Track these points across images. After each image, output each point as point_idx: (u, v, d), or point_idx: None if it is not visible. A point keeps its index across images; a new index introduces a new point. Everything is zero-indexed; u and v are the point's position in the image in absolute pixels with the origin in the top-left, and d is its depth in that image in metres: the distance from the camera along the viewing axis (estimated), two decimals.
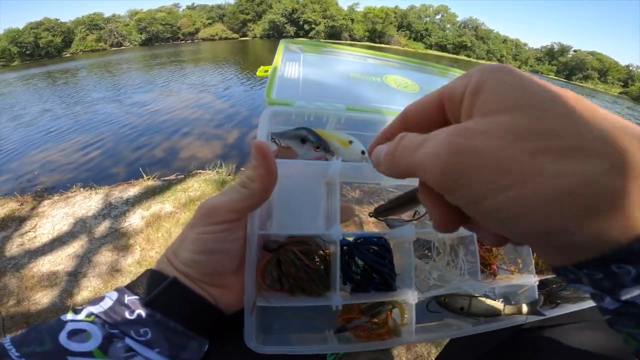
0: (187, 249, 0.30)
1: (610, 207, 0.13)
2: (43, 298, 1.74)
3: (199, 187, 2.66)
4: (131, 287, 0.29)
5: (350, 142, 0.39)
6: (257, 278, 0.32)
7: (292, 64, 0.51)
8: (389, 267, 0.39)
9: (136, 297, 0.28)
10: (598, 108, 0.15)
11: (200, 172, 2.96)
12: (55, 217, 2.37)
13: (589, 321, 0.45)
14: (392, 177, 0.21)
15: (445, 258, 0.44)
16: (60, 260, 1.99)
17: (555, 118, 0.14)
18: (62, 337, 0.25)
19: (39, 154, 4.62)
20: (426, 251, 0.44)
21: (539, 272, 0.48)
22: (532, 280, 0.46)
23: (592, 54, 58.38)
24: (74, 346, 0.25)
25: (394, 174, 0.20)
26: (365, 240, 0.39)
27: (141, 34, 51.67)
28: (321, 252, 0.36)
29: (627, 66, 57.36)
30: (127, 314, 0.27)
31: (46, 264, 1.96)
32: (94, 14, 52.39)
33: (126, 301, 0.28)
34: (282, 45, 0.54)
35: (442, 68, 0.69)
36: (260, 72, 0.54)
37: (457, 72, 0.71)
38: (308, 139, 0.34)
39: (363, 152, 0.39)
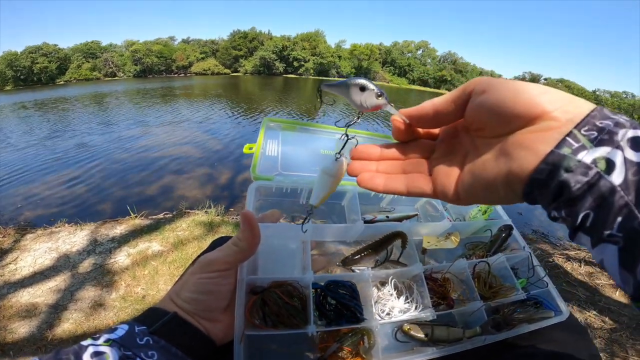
0: (189, 289, 0.38)
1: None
2: (20, 328, 1.67)
3: (187, 227, 2.60)
4: (139, 320, 0.37)
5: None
6: (245, 314, 0.40)
7: (272, 142, 0.63)
8: (355, 302, 0.48)
9: (144, 327, 0.35)
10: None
11: (189, 212, 2.89)
12: (37, 251, 2.30)
13: (554, 342, 0.51)
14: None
15: (403, 294, 0.54)
16: (40, 293, 1.92)
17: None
18: (86, 358, 0.30)
19: (23, 186, 4.48)
20: (387, 290, 0.54)
21: (484, 299, 0.57)
22: (478, 304, 0.55)
23: (561, 81, 62.34)
24: None
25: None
26: (335, 282, 0.48)
27: (136, 65, 51.92)
28: (299, 293, 0.45)
29: (594, 92, 61.19)
30: (138, 340, 0.34)
31: (25, 296, 1.89)
32: (92, 42, 52.43)
33: (137, 330, 0.35)
34: (264, 123, 0.65)
35: None
36: (245, 149, 0.64)
37: None
38: (368, 87, 0.32)
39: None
